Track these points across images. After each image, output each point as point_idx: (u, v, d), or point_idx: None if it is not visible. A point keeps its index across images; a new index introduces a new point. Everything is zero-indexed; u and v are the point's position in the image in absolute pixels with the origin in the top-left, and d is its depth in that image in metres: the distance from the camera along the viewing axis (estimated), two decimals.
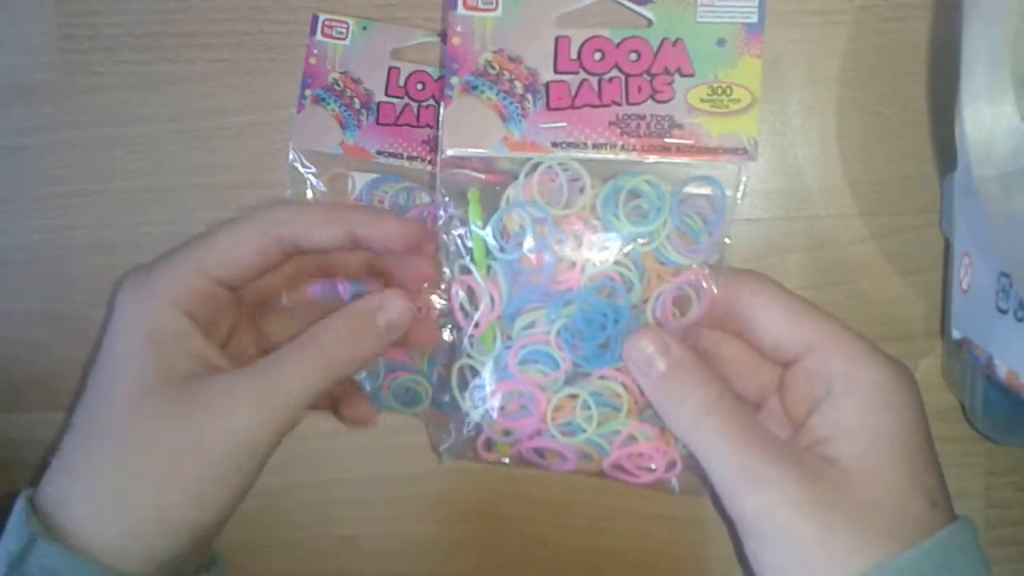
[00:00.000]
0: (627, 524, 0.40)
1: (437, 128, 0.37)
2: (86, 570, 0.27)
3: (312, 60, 0.39)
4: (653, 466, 0.33)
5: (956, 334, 0.34)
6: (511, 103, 0.33)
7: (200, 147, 0.41)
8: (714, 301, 0.32)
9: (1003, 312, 0.30)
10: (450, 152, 0.33)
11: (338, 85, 0.39)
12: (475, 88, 0.33)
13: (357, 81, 0.39)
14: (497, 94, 0.33)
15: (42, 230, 0.42)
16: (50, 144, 0.41)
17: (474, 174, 0.34)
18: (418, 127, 0.39)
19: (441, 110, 0.33)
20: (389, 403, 0.39)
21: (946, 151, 0.36)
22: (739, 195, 0.33)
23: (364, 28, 0.39)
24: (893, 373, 0.30)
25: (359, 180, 0.39)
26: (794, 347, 0.31)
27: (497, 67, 0.33)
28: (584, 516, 0.40)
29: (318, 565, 0.42)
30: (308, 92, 0.39)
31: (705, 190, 0.33)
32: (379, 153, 0.39)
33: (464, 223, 0.33)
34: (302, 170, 0.39)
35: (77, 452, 0.30)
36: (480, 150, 0.33)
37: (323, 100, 0.39)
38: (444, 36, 0.35)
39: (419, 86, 0.38)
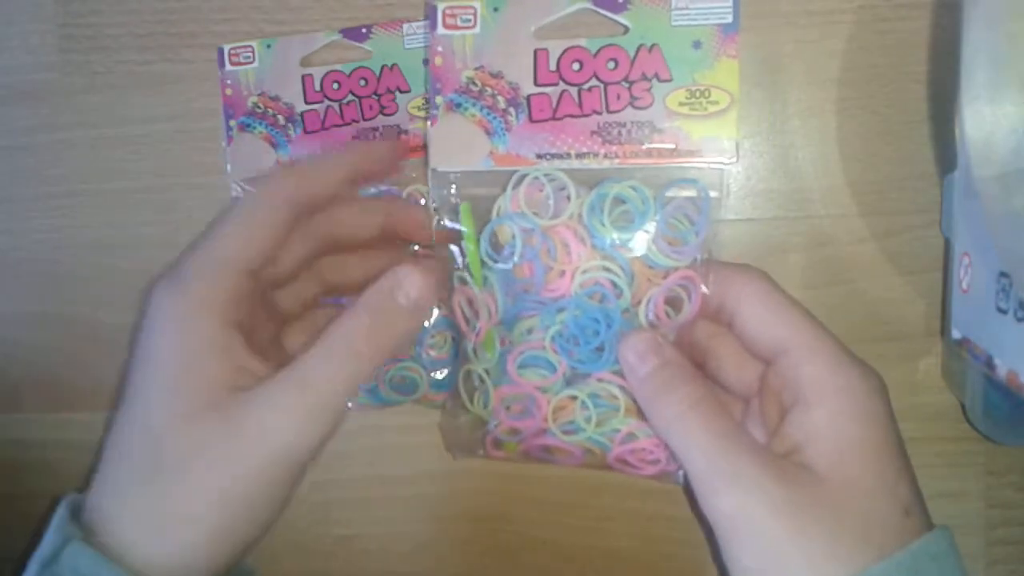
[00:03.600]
0: (627, 524, 0.40)
1: (371, 120, 0.39)
2: (115, 575, 0.28)
3: (228, 91, 0.39)
4: (656, 459, 0.34)
5: (956, 334, 0.34)
6: (495, 118, 0.34)
7: (200, 147, 0.41)
8: (706, 295, 0.33)
9: (1003, 312, 0.30)
10: (439, 169, 0.34)
11: (259, 108, 0.39)
12: (459, 106, 0.34)
13: (275, 99, 0.39)
14: (481, 110, 0.34)
15: (42, 230, 0.42)
16: (50, 144, 0.41)
17: (462, 187, 0.35)
18: (345, 125, 0.39)
19: (428, 129, 0.34)
20: (388, 396, 0.39)
21: (946, 151, 0.36)
22: (723, 195, 0.33)
23: (268, 46, 0.39)
24: (862, 380, 0.30)
25: None
26: (770, 346, 0.31)
27: (479, 83, 0.34)
28: (584, 516, 0.40)
29: (318, 565, 0.42)
30: (232, 123, 0.40)
31: (689, 192, 0.33)
32: None
33: (457, 236, 0.34)
34: (241, 201, 0.39)
35: (119, 466, 0.30)
36: (467, 166, 0.34)
37: (249, 126, 0.39)
38: (426, 59, 0.36)
39: (335, 85, 0.39)
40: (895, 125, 0.37)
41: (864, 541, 0.27)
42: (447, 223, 0.34)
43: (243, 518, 0.29)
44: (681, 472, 0.34)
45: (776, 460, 0.29)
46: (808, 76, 0.37)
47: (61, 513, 0.30)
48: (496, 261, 0.33)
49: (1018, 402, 0.29)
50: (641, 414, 0.33)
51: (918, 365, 0.38)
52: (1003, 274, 0.30)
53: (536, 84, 0.34)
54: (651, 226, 0.33)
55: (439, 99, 0.34)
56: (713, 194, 0.33)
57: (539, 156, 0.34)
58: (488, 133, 0.34)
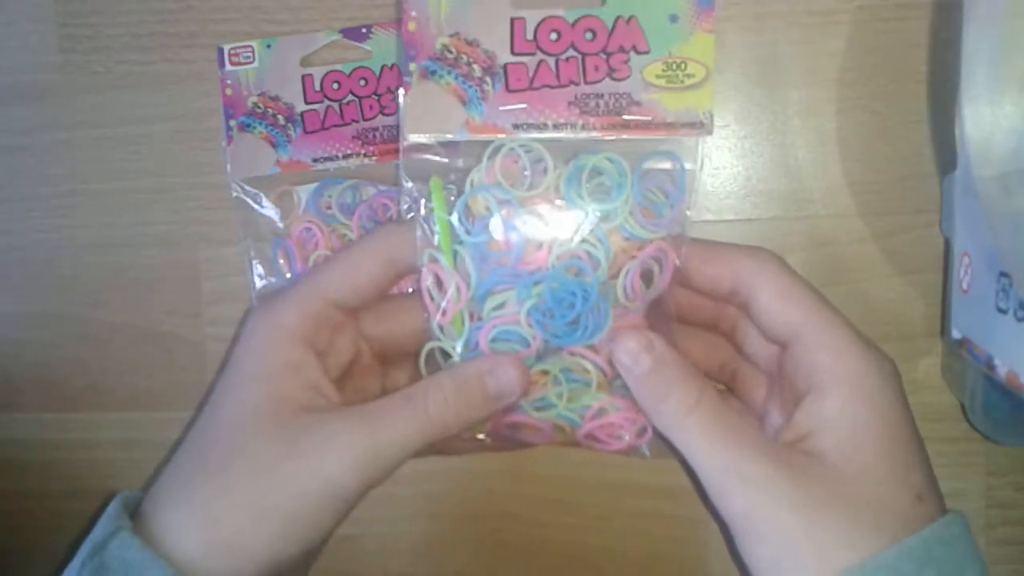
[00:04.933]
0: (628, 523, 0.40)
1: (371, 120, 0.39)
2: (160, 571, 0.28)
3: (228, 91, 0.39)
4: (625, 436, 0.34)
5: (956, 334, 0.34)
6: (470, 87, 0.33)
7: (200, 147, 0.41)
8: (721, 276, 0.33)
9: (1003, 312, 0.30)
10: (412, 139, 0.33)
11: (259, 108, 0.39)
12: (433, 73, 0.33)
13: (275, 99, 0.39)
14: (456, 78, 0.33)
15: (42, 230, 0.42)
16: (50, 144, 0.41)
17: (436, 159, 0.34)
18: (345, 125, 0.39)
19: (401, 97, 0.33)
20: None
21: (946, 151, 0.36)
22: (698, 168, 0.33)
23: (268, 46, 0.39)
24: (875, 366, 0.30)
25: (303, 192, 0.40)
26: (784, 331, 0.31)
27: (454, 51, 0.33)
28: (585, 515, 0.40)
29: (318, 565, 0.42)
30: (232, 122, 0.39)
31: (665, 165, 0.33)
32: (315, 160, 0.39)
33: (429, 209, 0.34)
34: (246, 198, 0.40)
35: (182, 468, 0.32)
36: (442, 135, 0.33)
37: (249, 126, 0.39)
38: (399, 23, 0.35)
39: (335, 85, 0.39)
40: (895, 125, 0.37)
41: (876, 528, 0.28)
42: (418, 195, 0.34)
43: (281, 534, 0.30)
44: (646, 446, 0.34)
45: (784, 453, 0.29)
46: (808, 76, 0.37)
47: (115, 504, 0.31)
48: (470, 234, 0.33)
49: (1018, 402, 0.29)
50: (611, 386, 0.33)
51: (918, 365, 0.38)
52: (1003, 274, 0.30)
53: (513, 53, 0.33)
54: (627, 198, 0.33)
55: (413, 66, 0.33)
56: (688, 166, 0.33)
57: (516, 127, 0.33)
58: (463, 102, 0.33)
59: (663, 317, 0.34)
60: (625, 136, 0.33)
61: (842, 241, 0.38)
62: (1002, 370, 0.30)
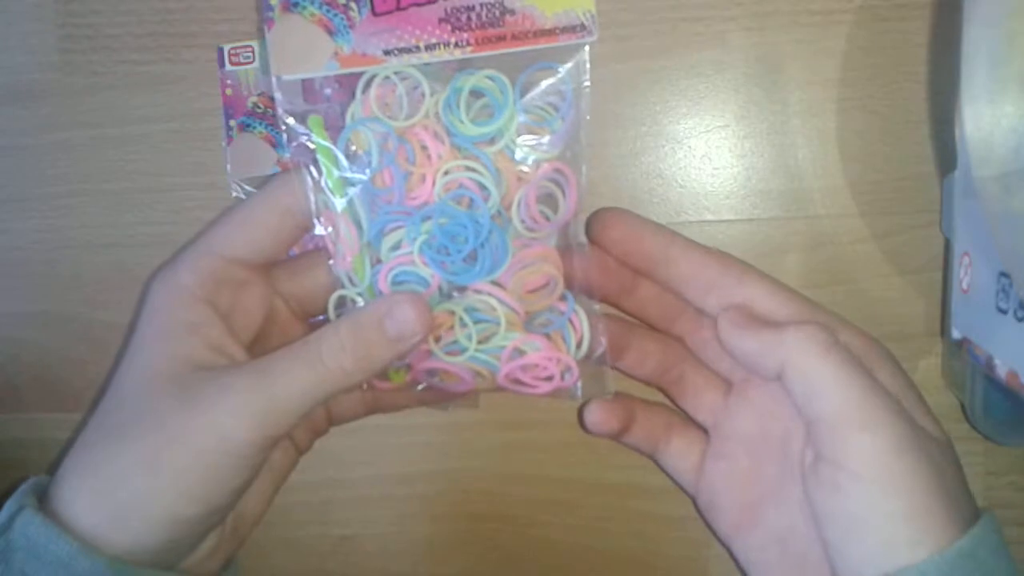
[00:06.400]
0: (627, 524, 0.40)
1: None
2: (64, 545, 0.28)
3: (228, 91, 0.39)
4: (550, 375, 0.32)
5: (956, 334, 0.34)
6: (336, 15, 0.31)
7: (200, 147, 0.41)
8: (703, 275, 0.33)
9: (1003, 312, 0.30)
10: (282, 78, 0.32)
11: (259, 107, 0.39)
12: (296, 5, 0.31)
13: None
14: (320, 7, 0.31)
15: (42, 230, 0.42)
16: (50, 144, 0.41)
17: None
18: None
19: (265, 35, 0.32)
20: None
21: (946, 151, 0.36)
22: (585, 74, 0.31)
23: None
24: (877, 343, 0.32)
25: None
26: (810, 417, 0.31)
27: None
28: (584, 516, 0.40)
29: (318, 565, 0.42)
30: (232, 122, 0.39)
31: (549, 77, 0.31)
32: None
33: (312, 152, 0.32)
34: (245, 198, 0.39)
35: (86, 441, 0.31)
36: (311, 71, 0.31)
37: (249, 126, 0.39)
38: None
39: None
40: (895, 125, 0.37)
41: (956, 510, 0.28)
42: (299, 139, 0.32)
43: (182, 493, 0.29)
44: (579, 385, 0.33)
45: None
46: (808, 76, 0.37)
47: (23, 487, 0.30)
48: (353, 173, 0.31)
49: (1018, 402, 0.29)
50: (528, 325, 0.32)
51: (918, 365, 0.38)
52: (1003, 274, 0.30)
53: None
54: (511, 117, 0.31)
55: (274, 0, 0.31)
56: (574, 73, 0.31)
57: (387, 53, 0.31)
58: (330, 32, 0.31)
59: (576, 244, 0.32)
60: (502, 50, 0.31)
61: (842, 241, 0.38)
62: (1002, 370, 0.30)
